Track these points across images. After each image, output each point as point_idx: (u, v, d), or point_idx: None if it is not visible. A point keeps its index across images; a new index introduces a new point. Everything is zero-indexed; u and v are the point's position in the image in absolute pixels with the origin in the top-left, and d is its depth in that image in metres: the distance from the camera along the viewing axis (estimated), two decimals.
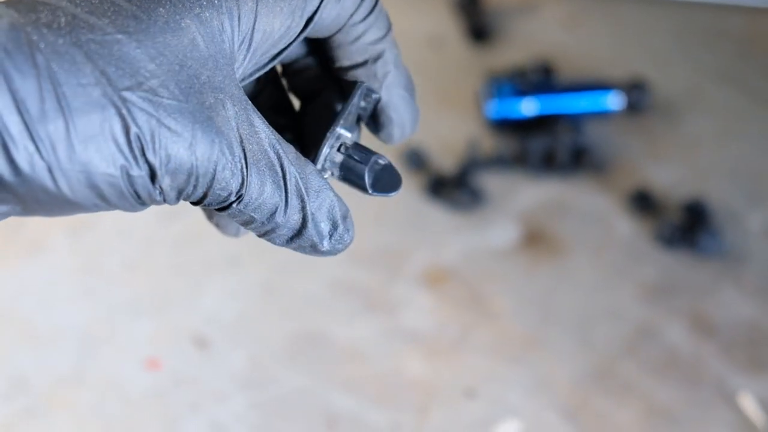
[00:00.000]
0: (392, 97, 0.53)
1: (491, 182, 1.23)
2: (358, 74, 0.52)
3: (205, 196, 0.44)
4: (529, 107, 1.25)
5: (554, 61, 1.36)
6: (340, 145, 0.51)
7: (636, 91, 1.28)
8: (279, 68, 0.56)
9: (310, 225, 0.47)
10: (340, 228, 0.48)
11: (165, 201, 0.43)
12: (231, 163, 0.43)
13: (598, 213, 1.20)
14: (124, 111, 0.40)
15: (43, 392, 1.04)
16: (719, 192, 1.21)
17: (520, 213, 1.20)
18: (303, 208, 0.46)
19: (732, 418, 1.02)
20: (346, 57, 0.52)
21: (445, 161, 1.24)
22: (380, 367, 1.06)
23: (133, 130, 0.40)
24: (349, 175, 0.51)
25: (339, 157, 0.50)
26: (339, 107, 0.53)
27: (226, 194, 0.44)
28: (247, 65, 0.47)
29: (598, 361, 1.06)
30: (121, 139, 0.40)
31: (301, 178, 0.46)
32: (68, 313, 1.10)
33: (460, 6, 1.43)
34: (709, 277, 1.13)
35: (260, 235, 0.47)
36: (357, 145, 0.51)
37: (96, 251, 1.16)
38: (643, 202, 1.19)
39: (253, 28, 0.45)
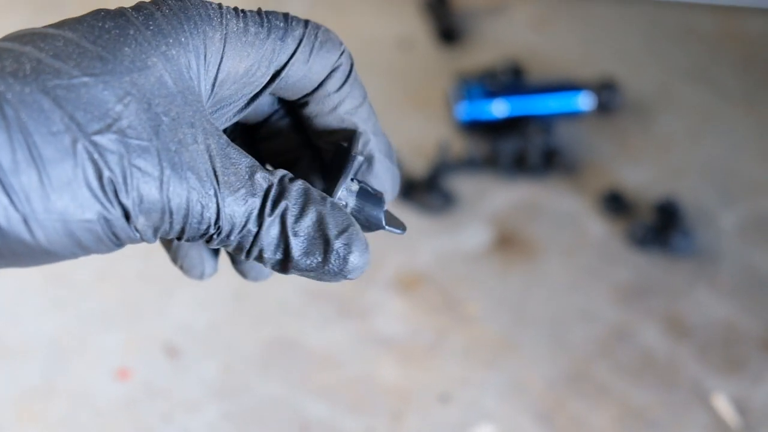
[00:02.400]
0: (374, 164, 0.53)
1: (462, 185, 1.22)
2: (338, 139, 0.52)
3: (183, 230, 0.43)
4: (499, 109, 1.25)
5: (524, 61, 1.35)
6: (353, 179, 0.50)
7: (606, 92, 1.27)
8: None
9: (292, 243, 0.46)
10: (336, 244, 0.46)
11: (143, 239, 0.43)
12: (203, 196, 0.43)
13: (571, 214, 1.19)
14: (95, 156, 0.40)
15: (12, 405, 1.03)
16: (691, 191, 1.21)
17: (492, 215, 1.19)
18: (283, 229, 0.45)
19: (707, 419, 1.01)
20: (323, 126, 0.52)
21: (416, 164, 1.24)
22: (354, 373, 1.05)
23: (106, 174, 0.40)
24: (364, 208, 0.50)
25: (355, 187, 0.50)
26: (316, 177, 0.54)
27: (204, 227, 0.44)
28: (215, 105, 0.47)
29: (572, 363, 1.06)
30: (95, 184, 0.40)
31: (295, 202, 0.46)
32: (37, 324, 1.09)
33: (429, 8, 1.42)
34: (683, 278, 1.13)
35: (271, 267, 0.47)
36: (367, 184, 0.52)
37: (65, 261, 1.14)
38: (616, 203, 1.18)
39: (219, 68, 0.45)
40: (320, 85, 0.50)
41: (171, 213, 0.42)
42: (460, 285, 1.13)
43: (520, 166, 1.22)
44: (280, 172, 0.46)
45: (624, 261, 1.15)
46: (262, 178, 0.45)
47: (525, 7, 1.46)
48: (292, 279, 1.11)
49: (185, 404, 1.03)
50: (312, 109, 0.51)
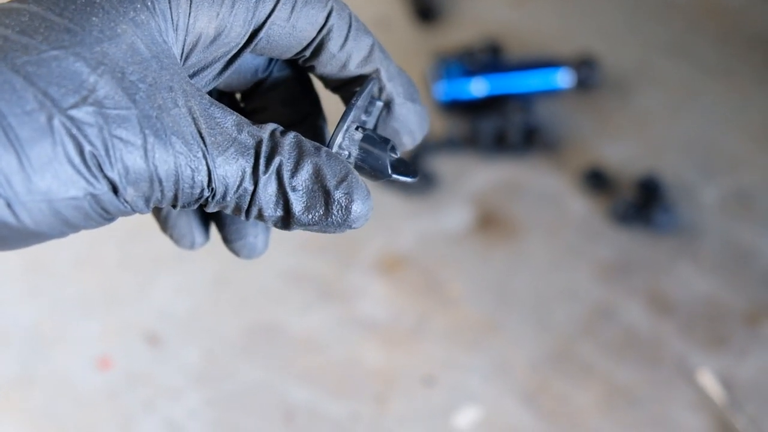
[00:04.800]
0: (393, 108, 0.51)
1: (443, 165, 1.21)
2: (356, 87, 0.50)
3: (176, 197, 0.43)
4: (478, 87, 1.24)
5: (502, 39, 1.34)
6: (358, 127, 0.49)
7: (585, 68, 1.27)
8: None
9: (291, 198, 0.45)
10: (336, 194, 0.45)
11: (135, 211, 0.42)
12: (192, 160, 0.42)
13: (552, 193, 1.19)
14: (74, 131, 0.39)
15: None
16: (672, 167, 1.21)
17: (473, 195, 1.18)
18: (281, 185, 0.44)
19: (692, 395, 1.01)
20: (338, 81, 0.50)
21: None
22: (337, 357, 1.05)
23: (87, 148, 0.39)
24: (368, 157, 0.49)
25: (358, 135, 0.49)
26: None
27: (198, 191, 0.43)
28: (189, 69, 0.45)
29: (556, 343, 1.05)
30: (77, 160, 0.39)
31: (289, 155, 0.44)
32: (15, 312, 1.08)
33: None
34: (665, 254, 1.13)
35: (273, 224, 0.46)
36: (374, 131, 0.50)
37: (42, 248, 1.13)
38: (597, 180, 1.18)
39: (187, 31, 0.44)
40: (321, 46, 0.48)
41: (160, 181, 0.41)
42: (442, 266, 1.12)
43: (500, 145, 1.22)
44: (270, 126, 0.45)
45: (606, 238, 1.14)
46: (250, 135, 0.44)
47: None
48: (274, 264, 1.11)
49: (167, 392, 1.02)
50: (320, 70, 0.49)
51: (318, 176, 0.45)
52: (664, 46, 1.35)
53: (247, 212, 0.45)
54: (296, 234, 1.11)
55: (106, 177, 0.40)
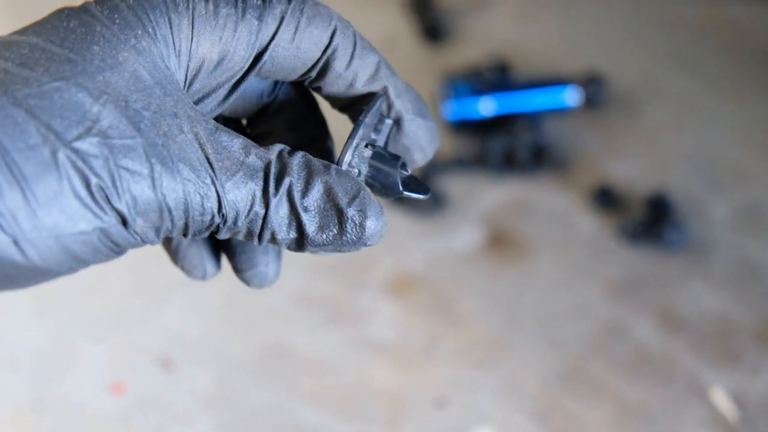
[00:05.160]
0: (403, 125, 0.51)
1: (452, 185, 1.21)
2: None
3: (186, 226, 0.42)
4: (486, 107, 1.24)
5: (509, 58, 1.35)
6: (367, 144, 0.49)
7: (593, 86, 1.27)
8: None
9: (304, 219, 0.44)
10: (349, 212, 0.45)
11: (145, 242, 0.42)
12: (200, 187, 0.41)
13: (561, 211, 1.19)
14: (79, 163, 0.39)
15: (2, 420, 1.02)
16: (681, 182, 1.20)
17: (483, 215, 1.18)
18: (292, 206, 0.44)
19: (705, 413, 1.01)
20: (345, 101, 0.50)
21: None
22: (347, 379, 1.04)
23: (93, 180, 0.39)
24: (379, 174, 0.48)
25: (368, 152, 0.48)
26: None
27: (208, 218, 0.42)
28: (198, 92, 0.45)
29: (566, 361, 1.05)
30: (83, 193, 0.39)
31: (298, 176, 0.44)
32: (24, 338, 1.08)
33: (411, 6, 1.42)
34: (676, 271, 1.12)
35: (287, 247, 0.45)
36: (384, 148, 0.50)
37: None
38: (606, 198, 1.18)
39: (189, 57, 0.44)
40: (326, 66, 0.48)
41: (169, 210, 0.41)
42: (452, 286, 1.12)
43: (509, 164, 1.22)
44: (277, 147, 0.44)
45: (616, 256, 1.14)
46: (258, 157, 0.43)
47: (507, 2, 1.45)
48: (283, 285, 1.10)
49: (179, 416, 1.02)
50: (327, 91, 0.49)
51: (329, 195, 0.44)
52: (669, 60, 1.35)
53: (260, 237, 0.44)
54: (304, 255, 1.11)
55: (114, 209, 0.39)
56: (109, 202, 0.39)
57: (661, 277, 1.12)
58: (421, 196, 0.49)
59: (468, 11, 1.43)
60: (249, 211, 0.43)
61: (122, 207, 0.40)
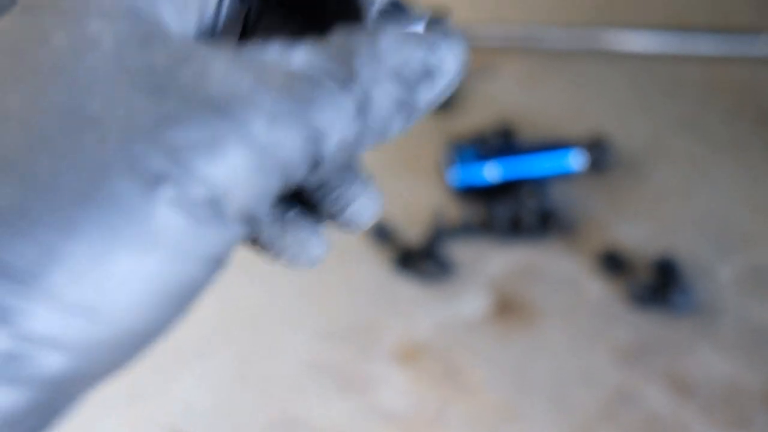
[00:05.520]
0: None
1: (459, 251, 1.22)
2: None
3: (303, 179, 0.36)
4: (492, 172, 1.25)
5: (514, 122, 1.36)
6: None
7: (598, 149, 1.27)
8: None
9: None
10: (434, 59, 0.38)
11: (252, 225, 0.35)
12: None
13: (568, 276, 1.19)
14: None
15: None
16: (687, 246, 1.21)
17: (490, 281, 1.19)
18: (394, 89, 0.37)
19: None
20: None
21: (411, 231, 1.23)
22: None
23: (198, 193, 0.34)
24: None
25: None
26: None
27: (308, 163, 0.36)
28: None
29: (576, 428, 1.05)
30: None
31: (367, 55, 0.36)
32: None
33: None
34: (684, 336, 1.12)
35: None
36: None
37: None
38: (613, 263, 1.18)
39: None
40: None
41: (268, 169, 0.34)
42: (460, 353, 1.12)
43: (515, 229, 1.22)
44: (307, 42, 0.36)
45: (624, 321, 1.14)
46: (308, 64, 0.35)
47: (513, 66, 1.46)
48: (292, 354, 1.11)
49: None
50: None
51: (403, 56, 0.37)
52: (674, 122, 1.36)
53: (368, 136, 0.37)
54: (313, 323, 1.11)
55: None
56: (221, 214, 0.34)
57: (670, 341, 1.12)
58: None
59: (474, 75, 1.44)
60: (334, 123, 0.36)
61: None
